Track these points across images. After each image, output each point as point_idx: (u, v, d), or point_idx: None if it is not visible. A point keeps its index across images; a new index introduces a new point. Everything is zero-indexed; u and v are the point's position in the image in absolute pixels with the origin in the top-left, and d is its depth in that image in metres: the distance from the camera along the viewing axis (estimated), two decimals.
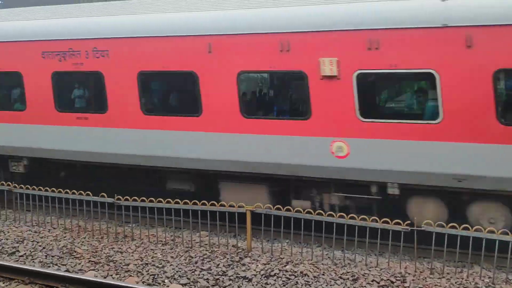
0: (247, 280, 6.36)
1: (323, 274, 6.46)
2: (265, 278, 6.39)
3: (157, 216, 7.97)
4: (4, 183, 9.44)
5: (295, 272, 6.51)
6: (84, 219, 8.87)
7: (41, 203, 8.77)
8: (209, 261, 6.98)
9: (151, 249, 7.54)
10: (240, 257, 7.07)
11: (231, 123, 8.19)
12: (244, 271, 6.61)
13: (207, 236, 7.90)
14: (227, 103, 8.16)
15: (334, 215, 7.01)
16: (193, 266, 6.85)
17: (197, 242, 7.71)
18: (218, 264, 6.85)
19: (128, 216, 8.84)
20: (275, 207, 7.22)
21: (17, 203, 9.09)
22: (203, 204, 7.51)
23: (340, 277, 6.39)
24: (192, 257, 7.14)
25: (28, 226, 8.84)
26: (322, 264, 6.86)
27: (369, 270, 6.62)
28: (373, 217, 6.76)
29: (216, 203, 7.45)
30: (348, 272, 6.52)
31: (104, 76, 9.02)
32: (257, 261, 6.92)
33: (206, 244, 7.63)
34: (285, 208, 7.20)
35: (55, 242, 7.97)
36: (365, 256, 6.98)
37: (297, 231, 7.24)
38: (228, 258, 7.03)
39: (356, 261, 7.02)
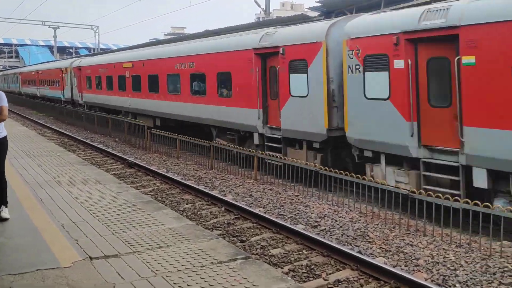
0: None
1: None
2: None
3: (453, 216, 7.57)
4: (316, 164, 10.83)
5: None
6: (378, 206, 9.25)
7: (341, 186, 9.66)
8: (511, 276, 6.20)
9: (443, 249, 7.24)
10: None
11: None
12: None
13: (510, 247, 7.00)
14: None
15: None
16: (491, 276, 6.22)
17: (497, 252, 6.94)
18: None
19: (422, 210, 8.72)
20: None
21: (321, 183, 10.30)
22: (507, 210, 6.68)
23: None
24: (490, 267, 6.49)
25: (329, 204, 9.87)
26: None
27: None
28: None
29: None
30: None
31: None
32: None
33: (508, 256, 6.78)
34: None
35: (350, 223, 8.63)
36: None
37: None
38: None
39: None
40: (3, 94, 6.55)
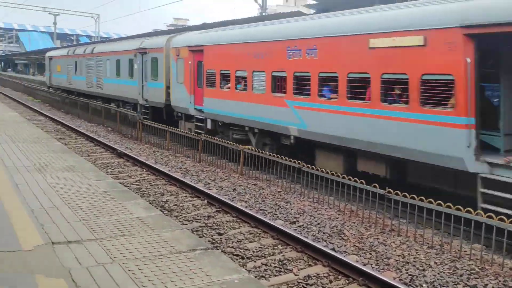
0: None
1: None
2: None
3: (426, 216, 7.59)
4: (299, 162, 10.79)
5: None
6: (357, 205, 9.25)
7: (322, 183, 9.67)
8: (477, 278, 6.21)
9: (415, 249, 7.26)
10: None
11: None
12: None
13: (479, 250, 7.01)
14: None
15: None
16: (457, 278, 6.24)
17: (467, 254, 6.95)
18: (487, 285, 6.02)
19: (398, 210, 8.74)
20: None
21: (304, 180, 10.31)
22: (478, 214, 6.69)
23: None
24: (458, 269, 6.50)
25: (310, 201, 9.88)
26: None
27: None
28: None
29: (494, 216, 6.51)
30: None
31: None
32: None
33: (477, 259, 6.79)
34: None
35: (328, 220, 8.64)
36: None
37: None
38: (499, 281, 6.09)
39: None
40: None
